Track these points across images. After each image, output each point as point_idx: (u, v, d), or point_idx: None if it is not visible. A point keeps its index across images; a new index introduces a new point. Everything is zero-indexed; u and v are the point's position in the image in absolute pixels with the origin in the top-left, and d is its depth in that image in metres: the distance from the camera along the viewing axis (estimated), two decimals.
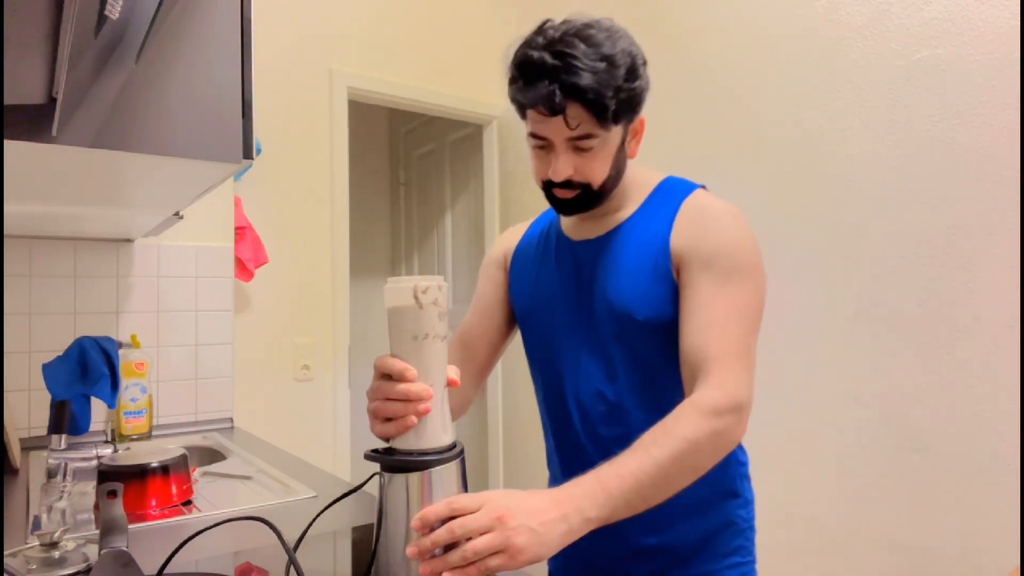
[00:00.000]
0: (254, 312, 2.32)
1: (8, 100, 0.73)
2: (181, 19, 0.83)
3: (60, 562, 0.85)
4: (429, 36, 2.76)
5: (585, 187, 0.94)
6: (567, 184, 0.93)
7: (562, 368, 1.04)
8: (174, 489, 1.17)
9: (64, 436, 1.15)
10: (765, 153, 1.97)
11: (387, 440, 0.75)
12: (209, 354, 1.96)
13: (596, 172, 0.93)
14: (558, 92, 0.86)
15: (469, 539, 0.67)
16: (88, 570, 0.84)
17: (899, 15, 1.69)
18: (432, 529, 0.68)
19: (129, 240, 1.84)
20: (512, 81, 0.91)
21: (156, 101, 0.82)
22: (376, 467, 0.74)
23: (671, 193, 1.00)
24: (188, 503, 1.17)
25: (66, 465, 1.09)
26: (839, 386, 1.79)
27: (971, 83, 1.56)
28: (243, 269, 2.14)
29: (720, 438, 0.81)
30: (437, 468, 0.72)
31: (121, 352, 1.50)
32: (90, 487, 1.20)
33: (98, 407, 1.71)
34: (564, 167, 0.92)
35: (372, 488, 0.82)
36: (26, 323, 1.72)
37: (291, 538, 0.81)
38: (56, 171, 0.91)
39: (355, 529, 1.05)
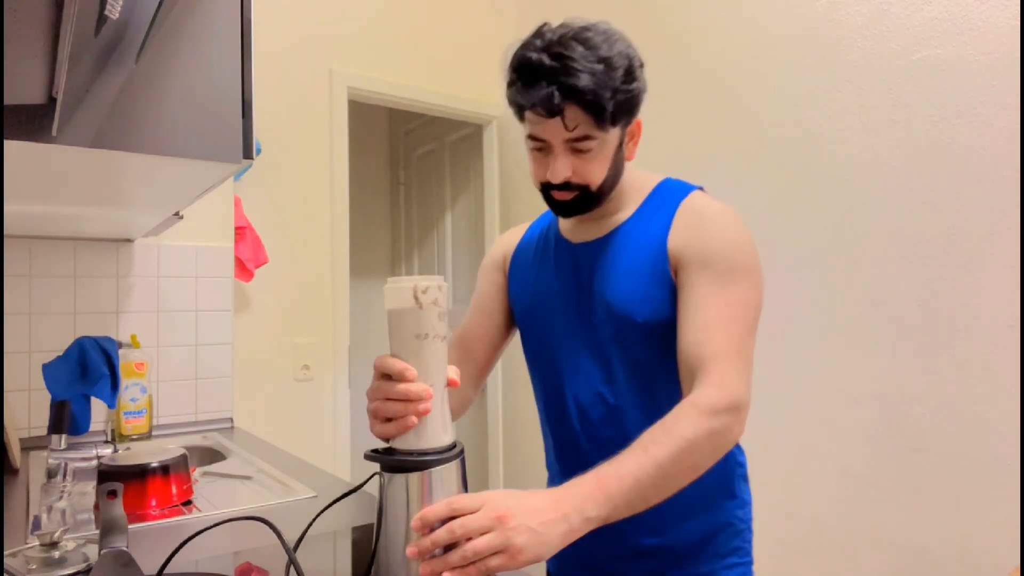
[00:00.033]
0: (254, 312, 2.32)
1: (8, 100, 0.73)
2: (181, 19, 0.83)
3: (60, 562, 0.85)
4: (429, 36, 2.76)
5: (583, 189, 0.94)
6: (565, 186, 0.94)
7: (561, 369, 1.04)
8: (174, 489, 1.17)
9: (64, 436, 1.15)
10: (765, 153, 1.97)
11: (387, 440, 0.76)
12: (209, 354, 1.96)
13: (594, 174, 0.94)
14: (556, 94, 0.86)
15: (469, 539, 0.67)
16: (88, 570, 0.84)
17: (899, 15, 1.69)
18: (432, 529, 0.68)
19: (129, 240, 1.84)
20: (510, 83, 0.92)
21: (156, 101, 0.82)
22: (376, 467, 0.74)
23: (669, 195, 1.00)
24: (188, 503, 1.17)
25: (66, 465, 1.09)
26: (839, 386, 1.79)
27: (971, 83, 1.56)
28: (243, 269, 2.14)
29: (719, 437, 0.81)
30: (437, 468, 0.72)
31: (121, 352, 1.50)
32: (90, 487, 1.20)
33: (98, 407, 1.71)
34: (562, 169, 0.92)
35: (372, 488, 0.82)
36: (26, 323, 1.72)
37: (291, 538, 0.81)
38: (56, 171, 0.91)
39: (355, 529, 1.05)
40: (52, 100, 0.75)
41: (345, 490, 0.85)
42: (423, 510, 0.69)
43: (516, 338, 1.17)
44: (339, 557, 0.96)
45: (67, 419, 1.16)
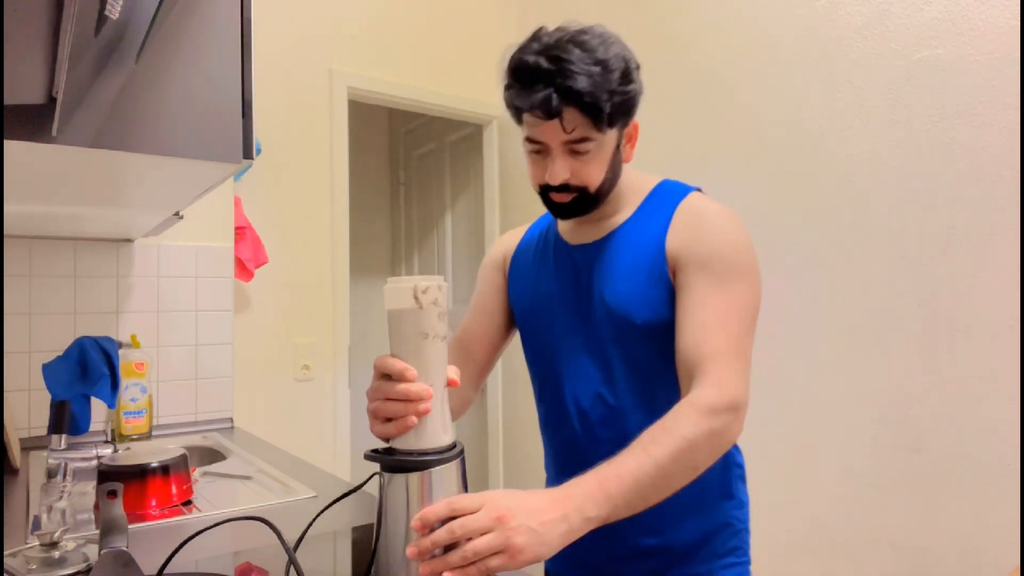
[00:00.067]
0: (254, 312, 2.32)
1: (8, 100, 0.73)
2: (181, 19, 0.83)
3: (60, 562, 0.85)
4: (429, 36, 2.76)
5: (582, 191, 0.95)
6: (564, 188, 0.94)
7: (561, 370, 1.04)
8: (174, 489, 1.17)
9: (64, 436, 1.14)
10: (765, 153, 1.97)
11: (387, 440, 0.76)
12: (209, 354, 1.96)
13: (592, 175, 0.94)
14: (554, 96, 0.87)
15: (469, 539, 0.67)
16: (88, 570, 0.84)
17: (899, 15, 1.69)
18: (432, 529, 0.68)
19: (129, 240, 1.84)
20: (508, 87, 0.92)
21: (156, 101, 0.82)
22: (376, 467, 0.74)
23: (667, 196, 1.00)
24: (188, 503, 1.17)
25: (66, 465, 1.09)
26: (839, 386, 1.80)
27: (971, 83, 1.56)
28: (243, 269, 2.14)
29: (718, 437, 0.81)
30: (437, 468, 0.72)
31: (121, 352, 1.50)
32: (90, 487, 1.20)
33: (98, 407, 1.71)
34: (561, 170, 0.93)
35: (372, 488, 0.82)
36: (26, 323, 1.72)
37: (291, 538, 0.81)
38: (56, 171, 0.91)
39: (355, 529, 1.05)
40: (52, 100, 0.75)
41: (345, 490, 0.85)
42: (423, 510, 0.69)
43: (516, 338, 1.17)
44: (339, 557, 0.96)
45: (67, 419, 1.16)
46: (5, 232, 1.62)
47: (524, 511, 0.69)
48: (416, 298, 0.72)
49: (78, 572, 0.84)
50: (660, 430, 0.79)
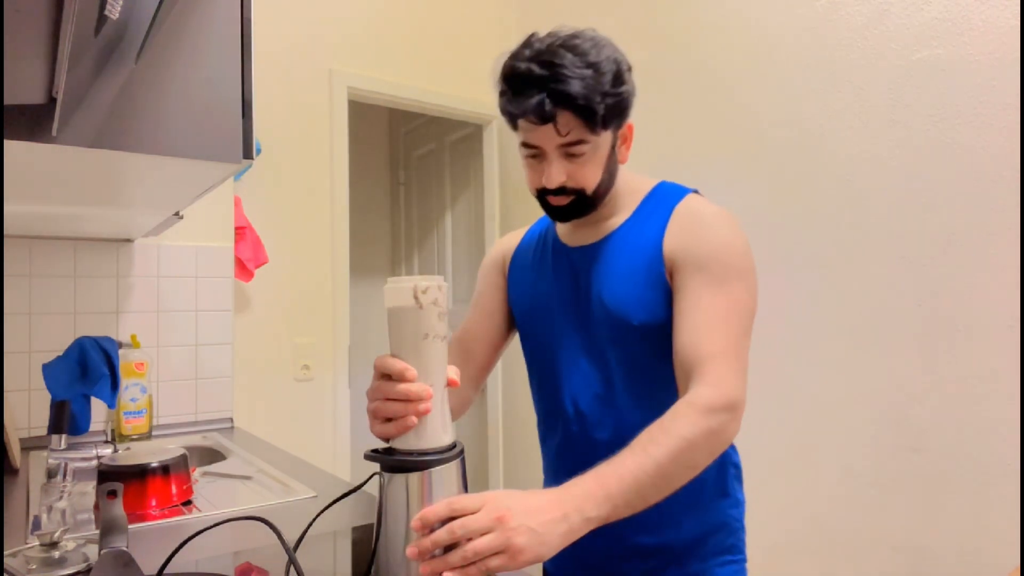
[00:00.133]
0: (254, 312, 2.32)
1: (8, 100, 0.73)
2: (181, 19, 0.83)
3: (60, 562, 0.85)
4: (429, 36, 2.76)
5: (579, 193, 0.96)
6: (561, 191, 0.95)
7: (559, 371, 1.05)
8: (174, 489, 1.17)
9: (64, 436, 1.14)
10: (765, 153, 1.97)
11: (387, 440, 0.76)
12: (209, 354, 1.96)
13: (589, 178, 0.95)
14: (548, 101, 0.88)
15: (469, 539, 0.67)
16: (88, 570, 0.84)
17: (899, 15, 1.69)
18: (432, 529, 0.68)
19: (129, 240, 1.84)
20: (502, 93, 0.94)
21: (156, 101, 0.82)
22: (376, 467, 0.74)
23: (664, 198, 1.01)
24: (188, 503, 1.17)
25: (66, 465, 1.09)
26: (839, 386, 1.80)
27: (971, 83, 1.56)
28: (243, 269, 2.14)
29: (716, 436, 0.81)
30: (437, 468, 0.72)
31: (121, 352, 1.50)
32: (90, 487, 1.20)
33: (98, 407, 1.71)
34: (557, 174, 0.93)
35: (372, 488, 0.82)
36: (26, 323, 1.72)
37: (291, 538, 0.81)
38: (56, 171, 0.91)
39: (355, 529, 1.05)
40: (52, 100, 0.75)
41: (345, 490, 0.85)
42: (423, 510, 0.69)
43: (516, 339, 1.17)
44: (339, 557, 0.96)
45: (67, 419, 1.16)
46: (5, 232, 1.62)
47: (524, 511, 0.69)
48: (416, 298, 0.72)
49: (78, 572, 0.84)
50: (659, 430, 0.79)
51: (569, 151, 0.93)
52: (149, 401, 1.76)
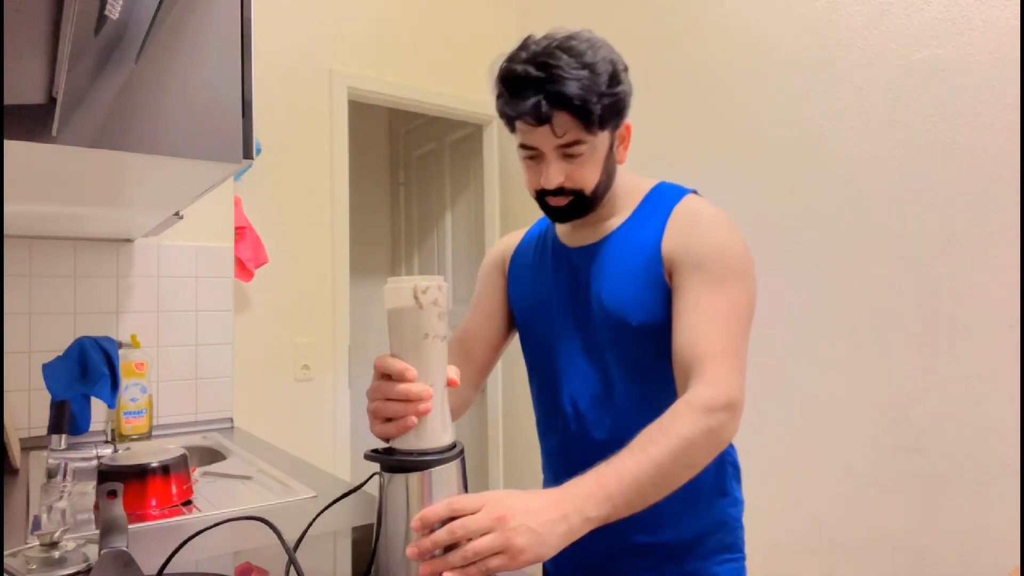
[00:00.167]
0: (254, 312, 2.32)
1: (8, 100, 0.73)
2: (181, 19, 0.83)
3: (60, 562, 0.85)
4: (429, 36, 2.76)
5: (577, 193, 0.96)
6: (560, 191, 0.96)
7: (558, 371, 1.05)
8: (174, 489, 1.17)
9: (64, 436, 1.14)
10: (765, 153, 1.97)
11: (387, 440, 0.76)
12: (209, 354, 1.96)
13: (587, 178, 0.95)
14: (544, 102, 0.88)
15: (469, 539, 0.67)
16: (88, 570, 0.84)
17: (899, 15, 1.69)
18: (432, 529, 0.68)
19: (129, 240, 1.84)
20: (499, 95, 0.94)
21: (156, 101, 0.82)
22: (376, 467, 0.74)
23: (663, 199, 1.01)
24: (188, 503, 1.17)
25: (66, 465, 1.09)
26: (839, 386, 1.80)
27: (971, 83, 1.56)
28: (243, 269, 2.14)
29: (715, 435, 0.81)
30: (437, 468, 0.72)
31: (121, 352, 1.50)
32: (90, 487, 1.20)
33: (98, 407, 1.71)
34: (555, 174, 0.94)
35: (372, 488, 0.82)
36: (26, 323, 1.72)
37: (291, 538, 0.81)
38: (56, 171, 0.91)
39: (355, 529, 1.05)
40: (52, 100, 0.75)
41: (345, 490, 0.85)
42: (423, 510, 0.69)
43: (516, 339, 1.18)
44: (339, 557, 0.96)
45: (67, 419, 1.16)
46: (5, 232, 1.62)
47: (524, 511, 0.69)
48: (416, 298, 0.72)
49: (78, 572, 0.84)
50: (658, 430, 0.79)
51: (567, 152, 0.93)
52: (149, 401, 1.76)
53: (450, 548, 0.67)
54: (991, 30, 1.53)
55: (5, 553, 0.88)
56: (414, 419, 0.72)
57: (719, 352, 0.86)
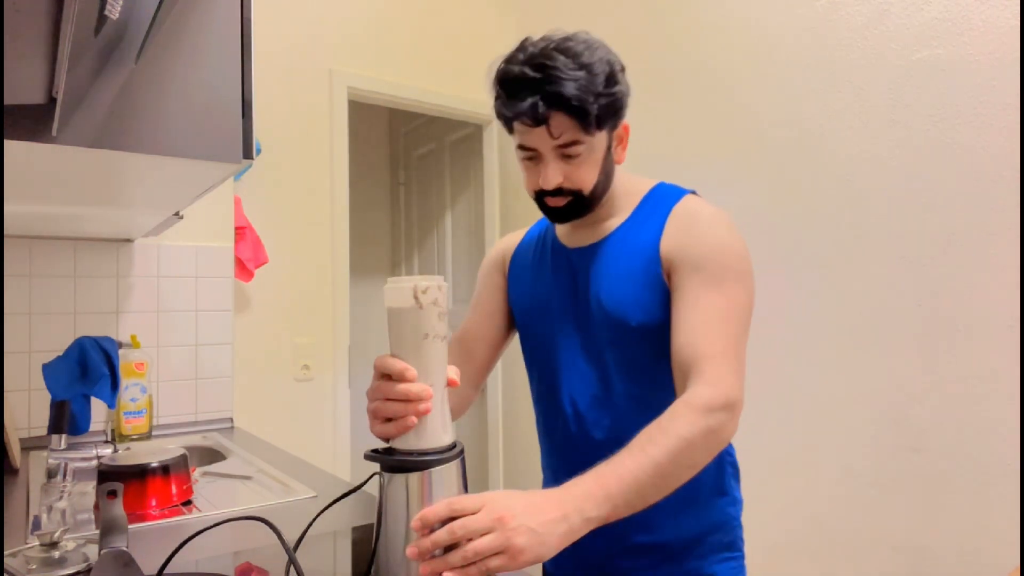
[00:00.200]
0: (254, 312, 2.32)
1: (8, 100, 0.73)
2: (181, 19, 0.83)
3: (60, 562, 0.85)
4: (429, 36, 2.76)
5: (576, 194, 0.96)
6: (558, 192, 0.96)
7: (558, 371, 1.05)
8: (174, 489, 1.17)
9: (64, 436, 1.14)
10: (765, 153, 1.97)
11: (387, 440, 0.76)
12: (209, 354, 1.96)
13: (585, 178, 0.95)
14: (541, 103, 0.89)
15: (469, 539, 0.67)
16: (88, 570, 0.84)
17: (899, 15, 1.69)
18: (432, 530, 0.68)
19: (129, 240, 1.84)
20: (496, 97, 0.95)
21: (156, 101, 0.82)
22: (376, 467, 0.74)
23: (662, 199, 1.01)
24: (188, 503, 1.17)
25: (66, 465, 1.09)
26: (839, 386, 1.79)
27: (971, 83, 1.56)
28: (243, 269, 2.14)
29: (714, 435, 0.82)
30: (437, 468, 0.72)
31: (121, 352, 1.50)
32: (90, 487, 1.20)
33: (98, 407, 1.71)
34: (554, 175, 0.94)
35: (372, 488, 0.82)
36: (26, 323, 1.72)
37: (291, 538, 0.81)
38: (56, 171, 0.91)
39: (355, 529, 1.05)
40: (52, 100, 0.75)
41: (345, 490, 0.85)
42: (423, 510, 0.69)
43: (516, 339, 1.18)
44: (339, 557, 0.96)
45: (67, 419, 1.16)
46: (5, 232, 1.62)
47: (524, 512, 0.69)
48: (416, 298, 0.72)
49: (78, 572, 0.84)
50: (657, 430, 0.79)
51: (565, 152, 0.93)
52: (149, 401, 1.76)
53: (450, 548, 0.67)
54: (991, 30, 1.53)
55: (5, 553, 0.88)
56: (414, 419, 0.72)
57: (718, 352, 0.86)
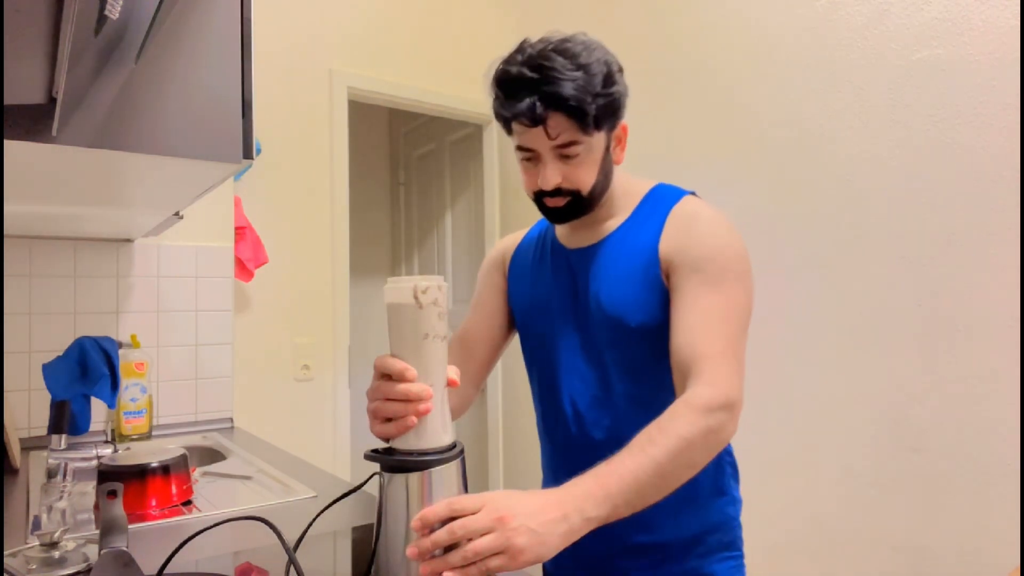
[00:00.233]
0: (254, 312, 2.32)
1: (8, 100, 0.73)
2: (181, 19, 0.83)
3: (60, 562, 0.85)
4: (429, 36, 2.76)
5: (575, 194, 0.96)
6: (557, 192, 0.96)
7: (558, 371, 1.05)
8: (174, 489, 1.17)
9: (64, 436, 1.14)
10: (765, 153, 1.97)
11: (387, 440, 0.76)
12: (209, 354, 1.96)
13: (584, 179, 0.96)
14: (539, 103, 0.89)
15: (469, 540, 0.67)
16: (88, 570, 0.84)
17: (899, 15, 1.69)
18: (432, 530, 0.68)
19: (129, 240, 1.84)
20: (495, 98, 0.95)
21: (156, 101, 0.82)
22: (376, 467, 0.74)
23: (661, 200, 1.02)
24: (188, 503, 1.17)
25: (66, 465, 1.09)
26: (839, 386, 1.79)
27: (971, 83, 1.56)
28: (243, 269, 2.14)
29: (714, 435, 0.82)
30: (437, 468, 0.72)
31: (121, 352, 1.50)
32: (90, 487, 1.20)
33: (98, 407, 1.71)
34: (552, 175, 0.94)
35: (372, 488, 0.82)
36: (26, 323, 1.72)
37: (291, 538, 0.81)
38: (56, 171, 0.91)
39: (355, 529, 1.05)
40: (52, 100, 0.75)
41: (345, 490, 0.85)
42: (423, 510, 0.69)
43: (516, 339, 1.18)
44: (339, 557, 0.96)
45: (67, 419, 1.16)
46: (5, 232, 1.62)
47: (524, 512, 0.69)
48: (416, 298, 0.72)
49: (78, 572, 0.84)
50: (657, 430, 0.80)
51: (563, 152, 0.94)
52: (149, 401, 1.76)
53: (450, 548, 0.67)
54: (991, 30, 1.53)
55: (5, 553, 0.88)
56: (414, 419, 0.72)
57: (718, 352, 0.86)
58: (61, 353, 1.38)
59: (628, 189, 1.04)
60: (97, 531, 0.99)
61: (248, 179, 2.28)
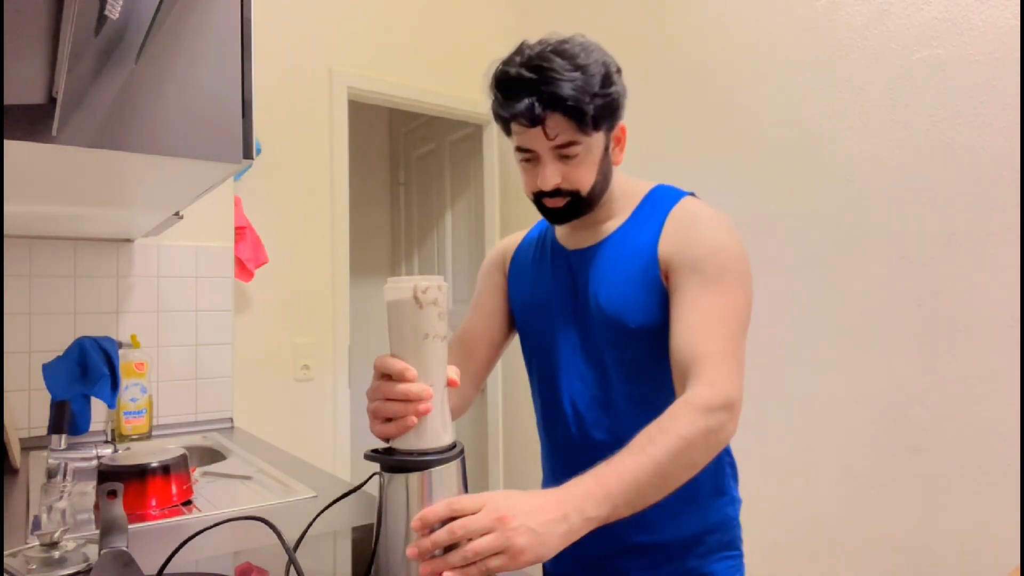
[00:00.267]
0: (254, 312, 2.32)
1: (8, 100, 0.73)
2: (181, 19, 0.83)
3: (60, 562, 0.85)
4: (429, 36, 2.76)
5: (574, 194, 0.97)
6: (556, 192, 0.96)
7: (557, 371, 1.05)
8: (174, 489, 1.17)
9: (64, 436, 1.14)
10: (765, 153, 1.97)
11: (387, 440, 0.76)
12: (209, 354, 1.96)
13: (583, 179, 0.96)
14: (537, 104, 0.90)
15: (470, 539, 0.67)
16: (88, 570, 0.84)
17: (899, 15, 1.69)
18: (432, 530, 0.68)
19: (129, 240, 1.84)
20: (494, 99, 0.95)
21: (156, 101, 0.82)
22: (376, 467, 0.74)
23: (660, 201, 1.02)
24: (188, 503, 1.17)
25: (66, 465, 1.09)
26: (839, 386, 1.79)
27: (971, 83, 1.56)
28: (243, 269, 2.14)
29: (714, 435, 0.82)
30: (437, 468, 0.72)
31: (121, 352, 1.50)
32: (90, 487, 1.20)
33: (98, 407, 1.71)
34: (551, 175, 0.95)
35: (372, 488, 0.82)
36: (26, 323, 1.72)
37: (291, 538, 0.81)
38: (56, 171, 0.91)
39: (355, 529, 1.05)
40: (52, 100, 0.75)
41: (345, 490, 0.85)
42: (423, 510, 0.69)
43: (516, 339, 1.18)
44: (339, 557, 0.96)
45: (67, 419, 1.16)
46: (5, 232, 1.62)
47: (524, 512, 0.69)
48: (416, 298, 0.72)
49: (78, 572, 0.84)
50: (657, 430, 0.80)
51: (562, 153, 0.94)
52: (149, 401, 1.76)
53: (450, 548, 0.67)
54: (991, 30, 1.53)
55: (5, 553, 0.88)
56: (414, 419, 0.72)
57: (717, 352, 0.86)
58: (61, 353, 1.38)
59: (627, 190, 1.04)
60: (97, 531, 0.99)
61: (248, 179, 2.28)
